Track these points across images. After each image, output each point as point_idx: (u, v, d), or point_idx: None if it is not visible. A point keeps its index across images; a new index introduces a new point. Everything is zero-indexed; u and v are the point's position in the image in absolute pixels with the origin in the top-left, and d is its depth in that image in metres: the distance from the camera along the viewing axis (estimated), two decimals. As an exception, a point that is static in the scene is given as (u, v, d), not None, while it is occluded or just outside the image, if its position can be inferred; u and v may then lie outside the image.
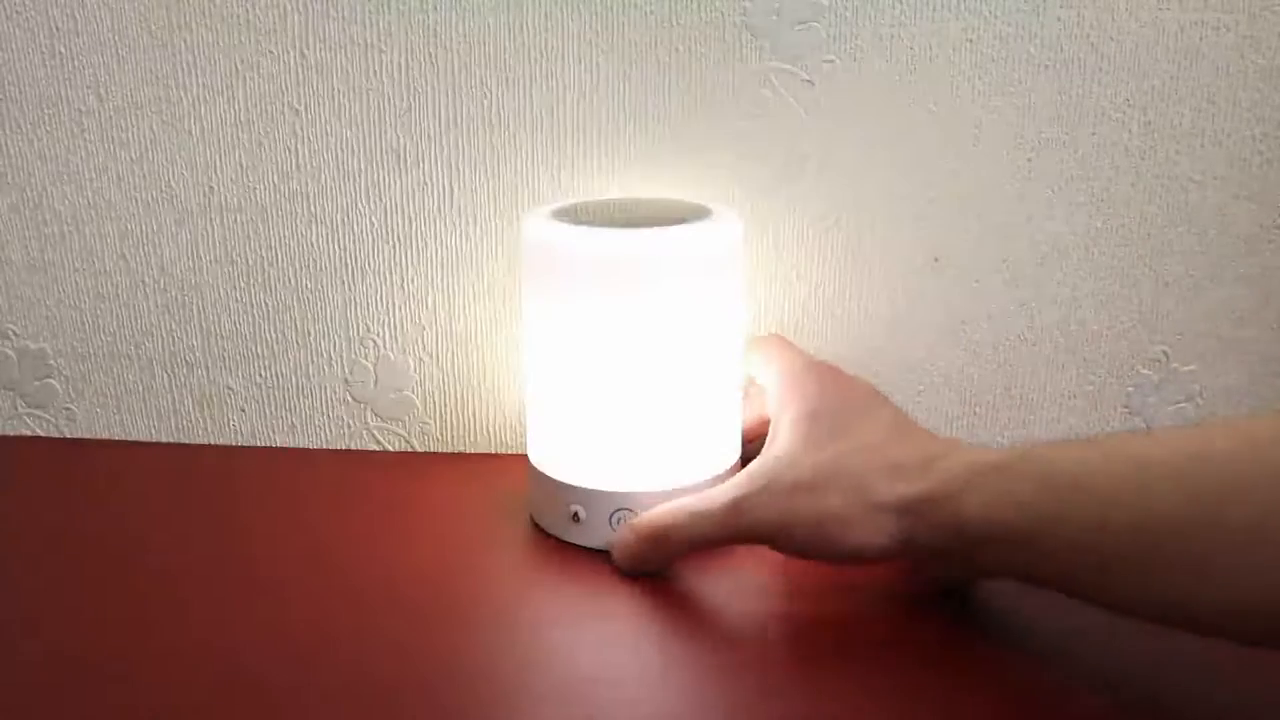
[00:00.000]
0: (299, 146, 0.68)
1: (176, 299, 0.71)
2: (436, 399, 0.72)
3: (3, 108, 0.68)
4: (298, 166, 0.68)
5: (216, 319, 0.71)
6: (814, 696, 0.48)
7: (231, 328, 0.71)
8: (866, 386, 0.57)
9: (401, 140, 0.67)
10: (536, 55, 0.65)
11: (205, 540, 0.62)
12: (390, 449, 0.73)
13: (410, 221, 0.69)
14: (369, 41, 0.65)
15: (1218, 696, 0.48)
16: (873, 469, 0.51)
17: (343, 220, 0.69)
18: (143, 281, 0.71)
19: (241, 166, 0.68)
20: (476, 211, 0.68)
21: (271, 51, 0.66)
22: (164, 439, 0.74)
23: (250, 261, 0.70)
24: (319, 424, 0.73)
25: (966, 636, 0.52)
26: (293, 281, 0.70)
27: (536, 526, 0.62)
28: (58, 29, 0.67)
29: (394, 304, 0.70)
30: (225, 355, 0.72)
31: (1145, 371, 0.70)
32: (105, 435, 0.75)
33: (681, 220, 0.58)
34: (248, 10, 0.65)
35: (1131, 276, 0.68)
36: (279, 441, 0.73)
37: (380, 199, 0.68)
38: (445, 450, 0.73)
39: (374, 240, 0.69)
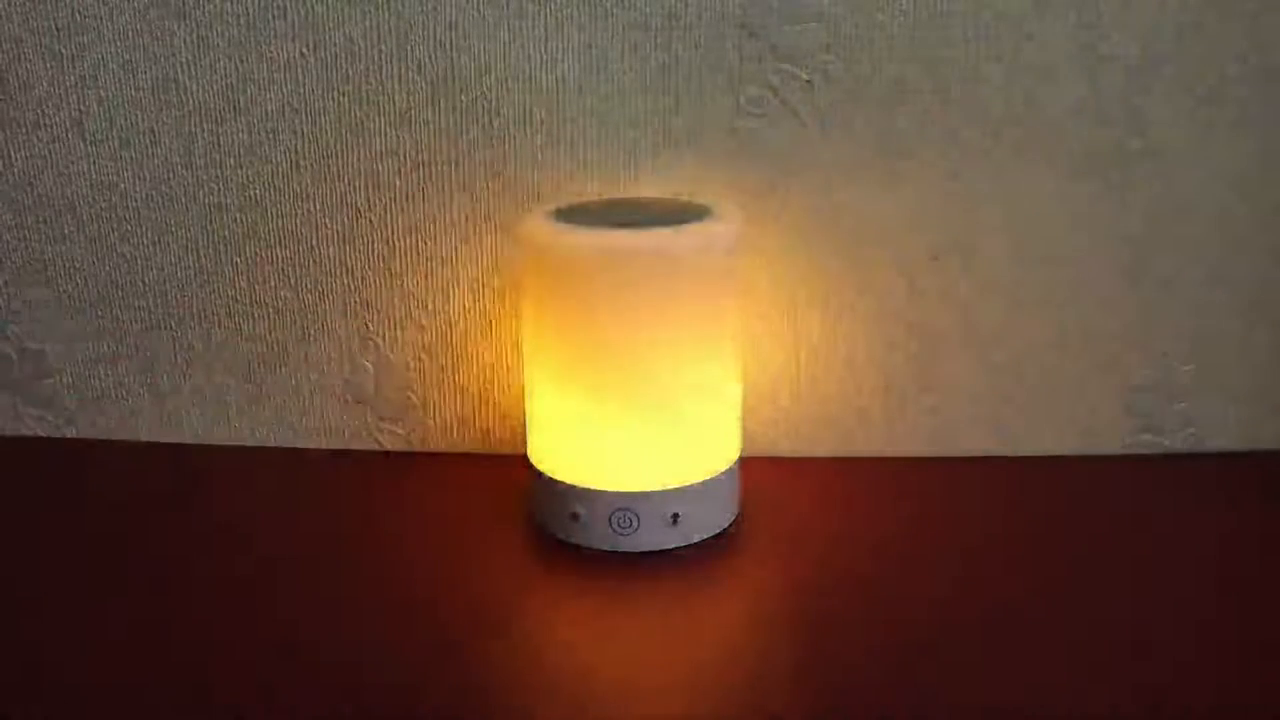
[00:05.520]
0: (299, 146, 0.68)
1: (176, 299, 0.71)
2: (436, 399, 0.72)
3: (3, 108, 0.68)
4: (298, 166, 0.68)
5: (216, 319, 0.71)
6: (814, 695, 0.48)
7: (232, 328, 0.71)
8: None
9: (402, 140, 0.67)
10: (537, 56, 0.65)
11: (205, 540, 0.62)
12: (390, 449, 0.73)
13: (410, 221, 0.69)
14: (369, 42, 0.65)
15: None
16: None
17: (342, 221, 0.69)
18: (143, 282, 0.71)
19: (241, 166, 0.68)
20: (476, 211, 0.68)
21: (272, 51, 0.66)
22: (164, 439, 0.74)
23: (250, 262, 0.70)
24: (319, 424, 0.73)
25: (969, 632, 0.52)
26: (293, 282, 0.70)
27: (536, 526, 0.62)
28: (58, 29, 0.67)
29: (394, 304, 0.70)
30: (225, 356, 0.72)
31: (1145, 371, 0.70)
32: (105, 435, 0.75)
33: (681, 220, 0.58)
34: (248, 11, 0.65)
35: (1132, 277, 0.68)
36: (279, 441, 0.73)
37: (380, 199, 0.68)
38: (445, 450, 0.73)
39: (374, 241, 0.69)
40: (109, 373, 0.73)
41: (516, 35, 0.65)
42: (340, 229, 0.69)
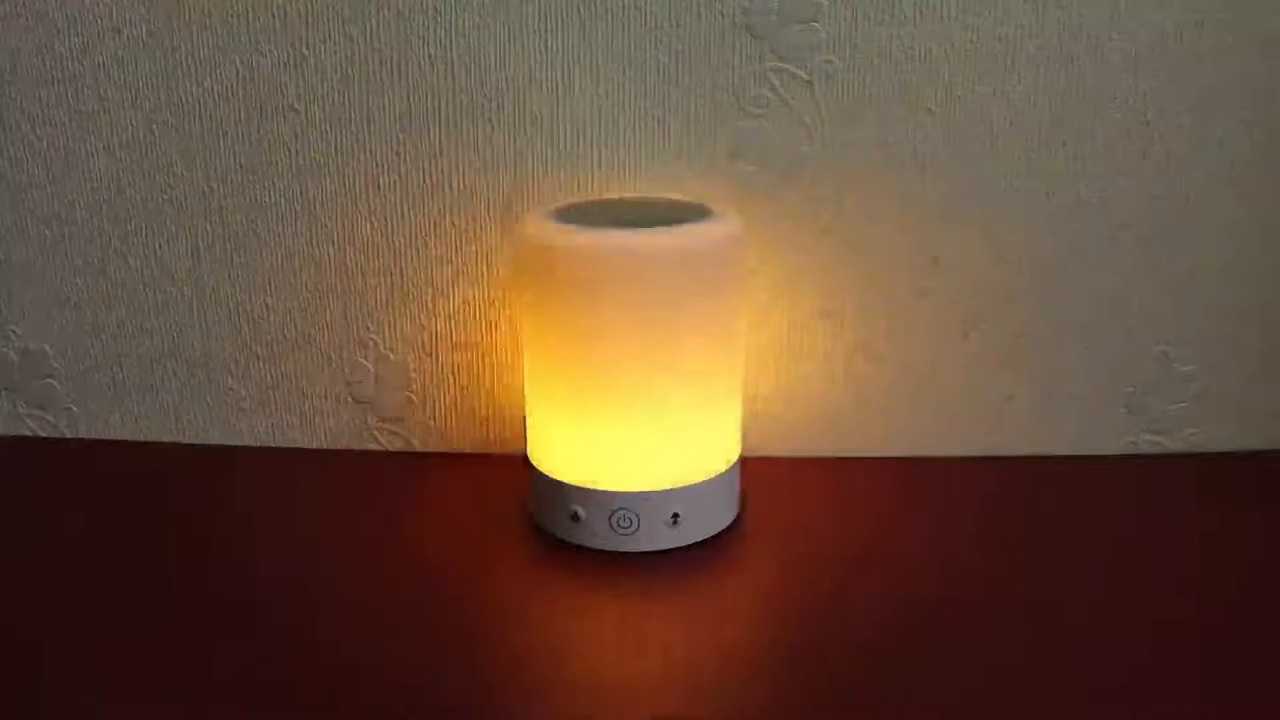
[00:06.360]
0: (299, 146, 0.68)
1: (176, 299, 0.71)
2: (436, 399, 0.72)
3: (3, 108, 0.68)
4: (298, 167, 0.68)
5: (216, 319, 0.71)
6: (814, 694, 0.48)
7: (232, 328, 0.72)
8: None
9: (401, 140, 0.67)
10: (536, 56, 0.65)
11: (206, 540, 0.62)
12: (390, 449, 0.73)
13: (410, 222, 0.69)
14: (368, 42, 0.65)
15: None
16: None
17: (342, 221, 0.69)
18: (143, 281, 0.71)
19: (241, 166, 0.68)
20: (476, 211, 0.68)
21: (271, 51, 0.66)
22: (164, 439, 0.74)
23: (250, 262, 0.70)
24: (319, 424, 0.73)
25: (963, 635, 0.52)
26: (293, 282, 0.70)
27: (536, 526, 0.62)
28: (58, 29, 0.67)
29: (394, 304, 0.70)
30: (225, 355, 0.72)
31: (1145, 371, 0.70)
32: (105, 435, 0.75)
33: (681, 220, 0.58)
34: (248, 10, 0.65)
35: (1132, 277, 0.68)
36: (279, 441, 0.74)
37: (380, 199, 0.68)
38: (445, 450, 0.73)
39: (374, 240, 0.69)
40: (109, 373, 0.73)
41: (516, 35, 0.65)
42: (340, 229, 0.69)
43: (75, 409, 0.74)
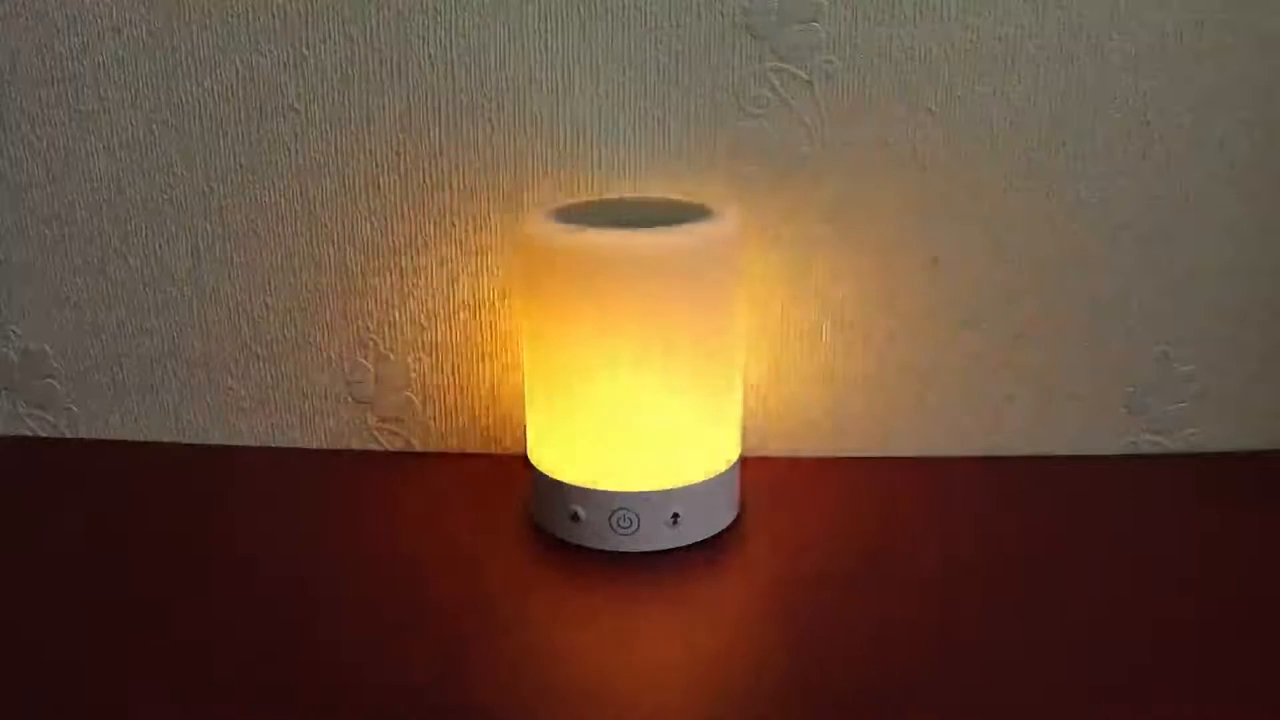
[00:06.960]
0: (299, 146, 0.68)
1: (176, 299, 0.71)
2: (436, 399, 0.72)
3: (3, 108, 0.68)
4: (297, 167, 0.68)
5: (217, 319, 0.71)
6: (813, 694, 0.48)
7: (232, 328, 0.72)
8: None
9: (401, 140, 0.67)
10: (537, 56, 0.65)
11: (205, 540, 0.62)
12: (390, 449, 0.73)
13: (410, 222, 0.69)
14: (368, 42, 0.65)
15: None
16: None
17: (342, 221, 0.69)
18: (143, 281, 0.71)
19: (241, 166, 0.68)
20: (476, 212, 0.68)
21: (271, 51, 0.66)
22: (164, 439, 0.74)
23: (250, 262, 0.70)
24: (319, 424, 0.73)
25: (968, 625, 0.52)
26: (293, 282, 0.70)
27: (536, 526, 0.62)
28: (58, 29, 0.67)
29: (394, 304, 0.70)
30: (225, 355, 0.72)
31: (1145, 371, 0.70)
32: (105, 435, 0.75)
33: (681, 220, 0.58)
34: (248, 10, 0.65)
35: (1132, 277, 0.68)
36: (279, 441, 0.74)
37: (380, 199, 0.68)
38: (445, 450, 0.73)
39: (374, 240, 0.69)
40: (109, 373, 0.73)
41: (516, 35, 0.65)
42: (340, 229, 0.69)
43: (75, 409, 0.74)
